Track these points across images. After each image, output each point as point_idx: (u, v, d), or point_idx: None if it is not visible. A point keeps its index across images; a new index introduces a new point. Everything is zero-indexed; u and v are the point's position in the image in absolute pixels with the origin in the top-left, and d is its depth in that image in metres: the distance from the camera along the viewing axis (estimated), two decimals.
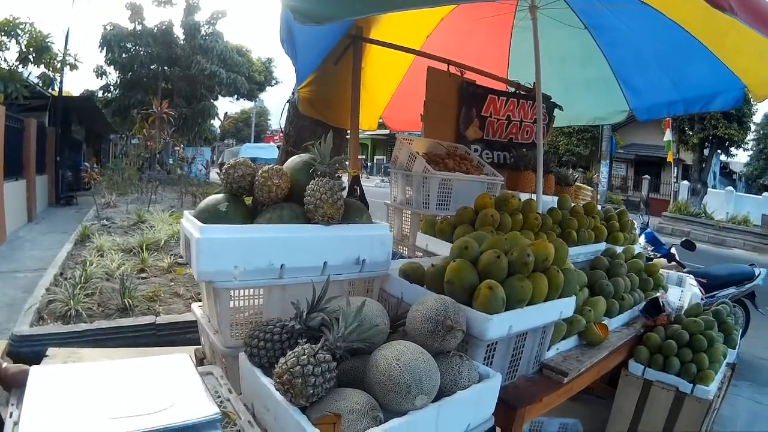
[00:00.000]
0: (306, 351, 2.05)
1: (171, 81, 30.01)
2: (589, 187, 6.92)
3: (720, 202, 32.06)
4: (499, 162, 6.14)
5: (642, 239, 8.34)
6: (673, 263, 8.16)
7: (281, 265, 2.71)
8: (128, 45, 28.83)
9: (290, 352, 2.09)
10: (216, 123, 37.48)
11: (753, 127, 47.61)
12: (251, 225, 2.85)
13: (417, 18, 5.97)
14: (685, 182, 34.67)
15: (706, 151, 32.45)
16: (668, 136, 29.82)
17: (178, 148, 30.71)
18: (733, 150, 35.51)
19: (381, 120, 7.23)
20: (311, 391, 1.96)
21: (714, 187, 39.85)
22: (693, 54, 5.21)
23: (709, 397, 4.01)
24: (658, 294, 4.77)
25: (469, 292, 2.70)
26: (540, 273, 2.93)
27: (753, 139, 51.16)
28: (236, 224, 2.80)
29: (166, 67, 29.64)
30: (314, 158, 2.99)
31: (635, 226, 8.57)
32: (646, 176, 38.31)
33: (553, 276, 2.97)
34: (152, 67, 29.69)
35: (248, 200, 3.16)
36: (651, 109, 6.70)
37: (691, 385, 4.07)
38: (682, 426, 4.07)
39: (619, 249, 5.08)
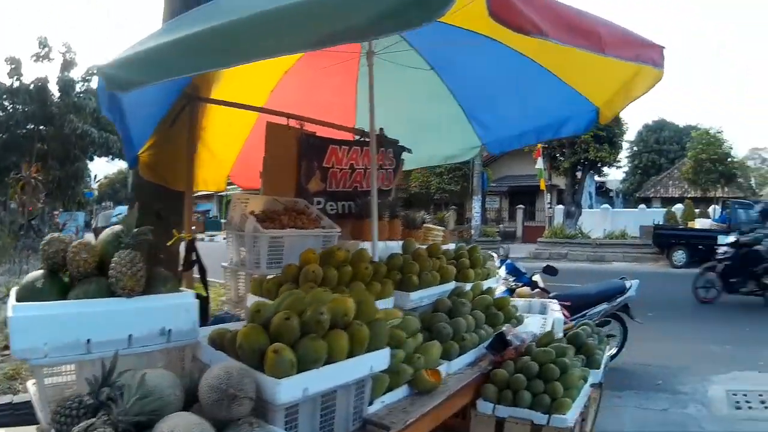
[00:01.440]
0: (81, 428, 2.07)
1: (46, 141, 29.11)
2: (439, 227, 6.93)
3: (596, 221, 33.40)
4: (344, 212, 6.11)
5: (503, 271, 8.53)
6: (537, 290, 8.31)
7: (88, 340, 2.69)
8: (5, 103, 28.11)
9: (74, 429, 2.11)
10: (94, 185, 36.54)
11: (626, 145, 50.04)
12: (58, 302, 2.83)
13: (259, 73, 5.87)
14: (561, 206, 35.90)
15: (579, 174, 33.62)
16: (540, 164, 30.87)
17: (56, 213, 29.81)
18: (606, 170, 36.72)
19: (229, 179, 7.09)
20: None
21: (591, 207, 41.48)
22: (539, 81, 5.23)
23: (569, 425, 3.96)
24: (503, 328, 4.69)
25: (259, 357, 2.67)
26: (339, 330, 2.90)
27: (627, 157, 53.65)
28: (51, 300, 2.80)
29: (41, 127, 28.81)
30: (123, 230, 2.99)
31: (495, 258, 8.76)
32: (520, 206, 39.81)
33: (356, 331, 2.95)
34: (28, 126, 28.85)
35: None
36: (503, 142, 6.76)
37: (547, 415, 3.99)
38: None
39: (468, 287, 5.09)
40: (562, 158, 32.67)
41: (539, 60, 5.03)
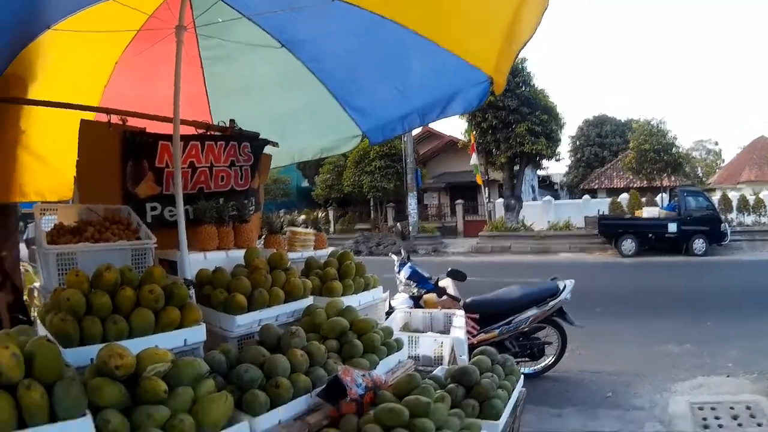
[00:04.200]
0: None
1: None
2: (309, 231, 5.65)
3: (539, 213, 33.72)
4: (188, 218, 4.71)
5: (403, 275, 7.60)
6: (445, 297, 7.25)
7: None
8: None
9: None
10: None
11: (567, 140, 50.50)
12: None
13: (88, 67, 5.09)
14: (501, 200, 35.87)
15: (518, 168, 33.70)
16: (474, 159, 30.74)
17: None
18: (545, 163, 36.68)
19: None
20: None
21: (534, 200, 41.55)
22: (414, 51, 4.54)
23: None
24: (339, 369, 3.26)
25: None
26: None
27: (569, 151, 54.40)
28: None
29: None
30: None
31: (396, 261, 7.88)
32: (460, 201, 40.28)
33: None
34: None
35: None
36: (384, 128, 5.86)
37: None
38: None
39: (323, 305, 4.13)
40: (498, 152, 32.46)
41: (404, 22, 4.15)
